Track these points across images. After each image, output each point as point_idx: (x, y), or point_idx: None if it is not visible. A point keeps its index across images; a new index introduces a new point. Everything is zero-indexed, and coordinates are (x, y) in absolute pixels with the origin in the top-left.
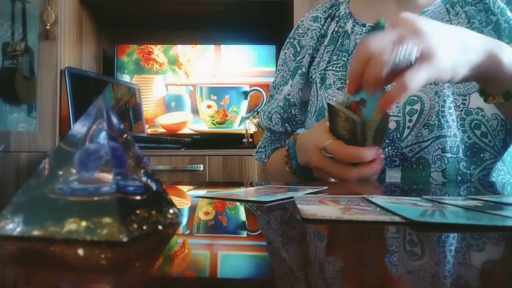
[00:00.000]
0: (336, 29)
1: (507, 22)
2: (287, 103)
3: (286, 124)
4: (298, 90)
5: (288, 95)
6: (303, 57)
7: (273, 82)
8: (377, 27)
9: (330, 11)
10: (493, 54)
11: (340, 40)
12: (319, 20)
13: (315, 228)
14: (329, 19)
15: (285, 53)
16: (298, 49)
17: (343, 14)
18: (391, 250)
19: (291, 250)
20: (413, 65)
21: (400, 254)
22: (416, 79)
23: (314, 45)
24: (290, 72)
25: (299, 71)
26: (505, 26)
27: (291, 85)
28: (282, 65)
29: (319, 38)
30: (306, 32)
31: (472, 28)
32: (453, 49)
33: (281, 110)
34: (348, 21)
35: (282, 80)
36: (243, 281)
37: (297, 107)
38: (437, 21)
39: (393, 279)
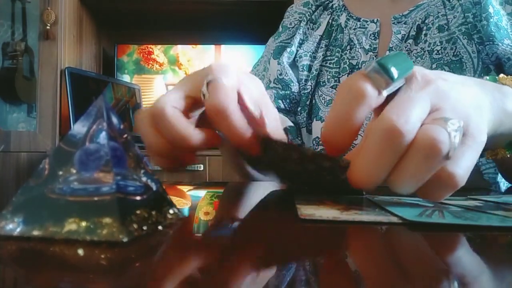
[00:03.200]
0: (330, 21)
1: (487, 19)
2: (283, 83)
3: (280, 101)
4: (290, 69)
5: (280, 74)
6: (291, 36)
7: (255, 69)
8: (385, 73)
9: (322, 0)
10: (501, 108)
11: (333, 34)
12: (309, 5)
13: (309, 229)
14: (321, 8)
15: (273, 40)
16: (280, 29)
17: (336, 7)
18: (382, 250)
19: (284, 251)
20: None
21: (390, 255)
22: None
23: (303, 28)
24: (272, 51)
25: (288, 49)
26: (484, 23)
27: (278, 63)
28: (267, 51)
29: (308, 23)
30: (293, 15)
31: (466, 23)
32: (481, 113)
33: (280, 93)
34: (342, 14)
35: (264, 66)
36: (240, 280)
37: (294, 84)
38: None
39: (382, 279)
